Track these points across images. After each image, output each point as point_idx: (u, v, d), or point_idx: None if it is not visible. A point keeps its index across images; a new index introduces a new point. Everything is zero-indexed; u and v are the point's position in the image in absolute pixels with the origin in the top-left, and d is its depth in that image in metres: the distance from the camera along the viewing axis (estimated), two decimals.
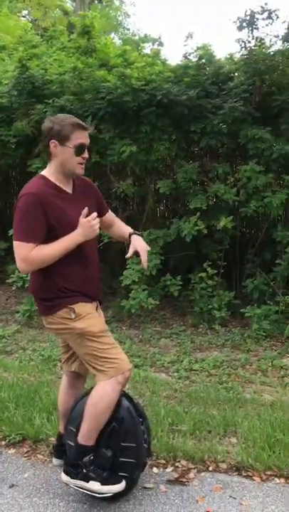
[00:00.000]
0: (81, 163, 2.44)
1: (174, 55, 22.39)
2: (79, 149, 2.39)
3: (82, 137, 2.40)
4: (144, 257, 2.59)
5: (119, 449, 2.43)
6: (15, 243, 2.32)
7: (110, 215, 2.82)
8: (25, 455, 3.01)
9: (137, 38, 21.52)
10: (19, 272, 5.53)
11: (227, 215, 5.20)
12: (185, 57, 5.87)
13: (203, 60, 5.65)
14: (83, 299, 2.45)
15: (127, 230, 2.78)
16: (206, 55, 5.64)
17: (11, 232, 5.57)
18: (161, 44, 21.35)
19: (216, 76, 5.60)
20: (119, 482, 2.39)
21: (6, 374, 4.19)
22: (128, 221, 5.65)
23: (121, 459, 2.43)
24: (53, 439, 3.04)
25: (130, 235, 2.70)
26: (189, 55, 5.82)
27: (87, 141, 2.44)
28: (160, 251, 5.38)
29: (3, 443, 3.13)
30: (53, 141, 2.39)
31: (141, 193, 5.98)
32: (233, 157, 5.97)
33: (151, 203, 5.93)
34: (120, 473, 2.43)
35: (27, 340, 5.10)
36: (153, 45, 19.71)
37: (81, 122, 2.44)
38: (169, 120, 5.44)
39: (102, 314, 2.63)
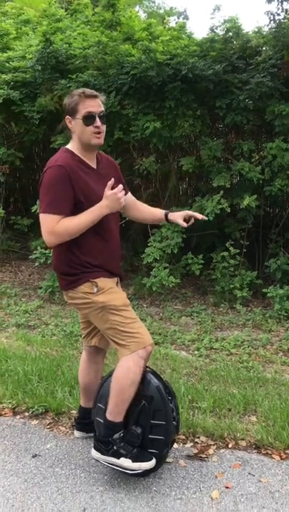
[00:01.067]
0: (96, 133, 2.38)
1: (200, 29, 21.86)
2: (86, 119, 2.35)
3: (89, 106, 2.35)
4: (198, 215, 2.62)
5: (149, 427, 2.45)
6: (41, 216, 2.32)
7: (131, 196, 2.76)
8: (48, 426, 3.08)
9: (162, 11, 21.05)
10: (43, 248, 5.63)
11: (251, 193, 5.13)
12: (211, 30, 5.70)
13: (230, 34, 5.49)
14: (105, 274, 2.46)
15: (159, 211, 2.75)
16: (234, 29, 5.47)
17: (33, 208, 5.61)
18: (186, 17, 20.82)
19: (243, 50, 5.45)
20: (149, 459, 2.40)
21: (30, 348, 4.27)
22: (150, 199, 5.66)
23: (150, 436, 2.46)
24: (74, 412, 3.10)
25: (166, 215, 2.68)
26: (216, 28, 5.65)
27: (96, 109, 2.37)
28: (182, 229, 5.35)
29: (27, 414, 3.22)
30: (67, 116, 2.40)
31: (164, 171, 5.92)
32: (259, 134, 5.85)
33: (174, 180, 5.87)
34: (150, 450, 2.45)
35: (49, 316, 5.17)
36: (178, 18, 19.23)
37: (87, 91, 2.38)
38: (193, 96, 5.33)
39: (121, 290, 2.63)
